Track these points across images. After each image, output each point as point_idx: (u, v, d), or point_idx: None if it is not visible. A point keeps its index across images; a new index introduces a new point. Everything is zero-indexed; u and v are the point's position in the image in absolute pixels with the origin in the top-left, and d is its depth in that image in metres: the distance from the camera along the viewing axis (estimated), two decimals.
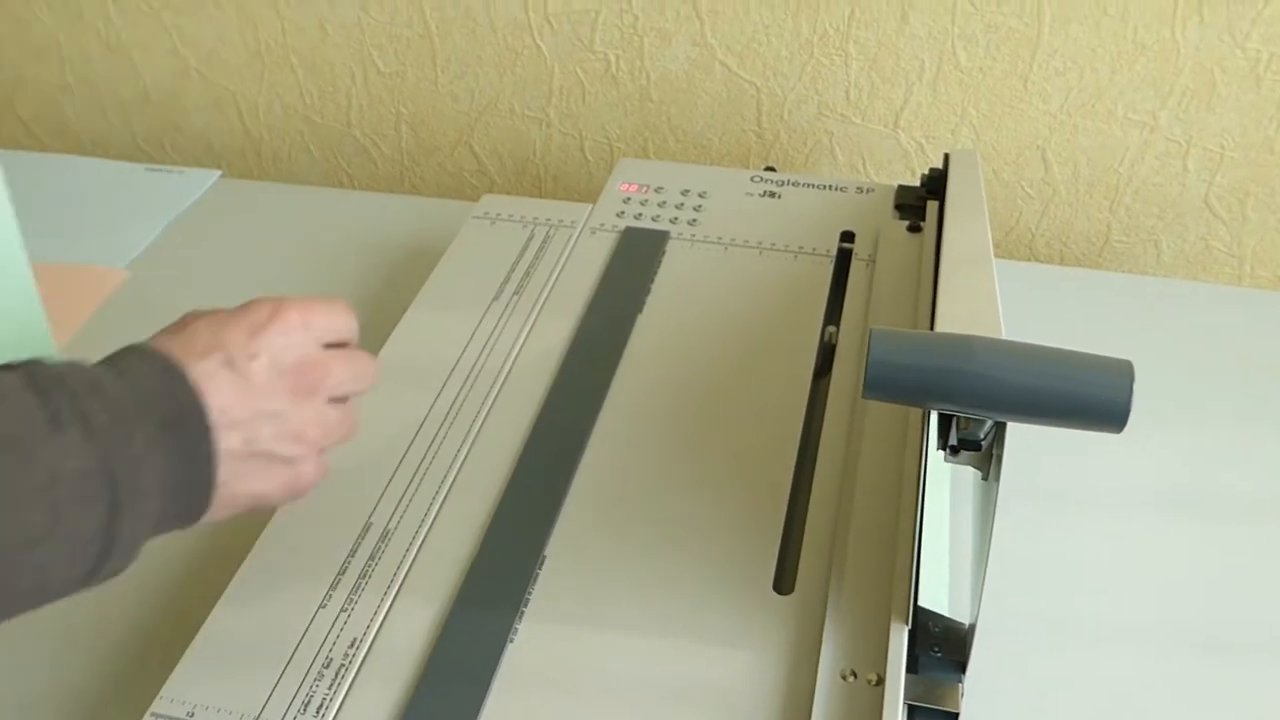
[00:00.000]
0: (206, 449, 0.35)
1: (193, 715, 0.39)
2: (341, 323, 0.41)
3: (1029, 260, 0.81)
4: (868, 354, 0.31)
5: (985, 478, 0.37)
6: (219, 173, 0.82)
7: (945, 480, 0.46)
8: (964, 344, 0.30)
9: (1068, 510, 0.53)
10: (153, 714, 0.39)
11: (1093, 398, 0.30)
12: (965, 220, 0.52)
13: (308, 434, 0.39)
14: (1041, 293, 0.67)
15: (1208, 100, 0.72)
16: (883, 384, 0.31)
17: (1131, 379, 0.30)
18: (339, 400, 0.41)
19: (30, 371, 0.32)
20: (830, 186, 0.68)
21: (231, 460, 0.36)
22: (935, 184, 0.64)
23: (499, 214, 0.66)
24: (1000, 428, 0.34)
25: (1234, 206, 0.76)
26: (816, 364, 0.54)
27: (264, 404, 0.36)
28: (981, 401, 0.30)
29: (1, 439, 0.30)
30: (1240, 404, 0.59)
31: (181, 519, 0.36)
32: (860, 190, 0.67)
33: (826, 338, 0.55)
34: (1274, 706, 0.44)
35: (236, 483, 0.36)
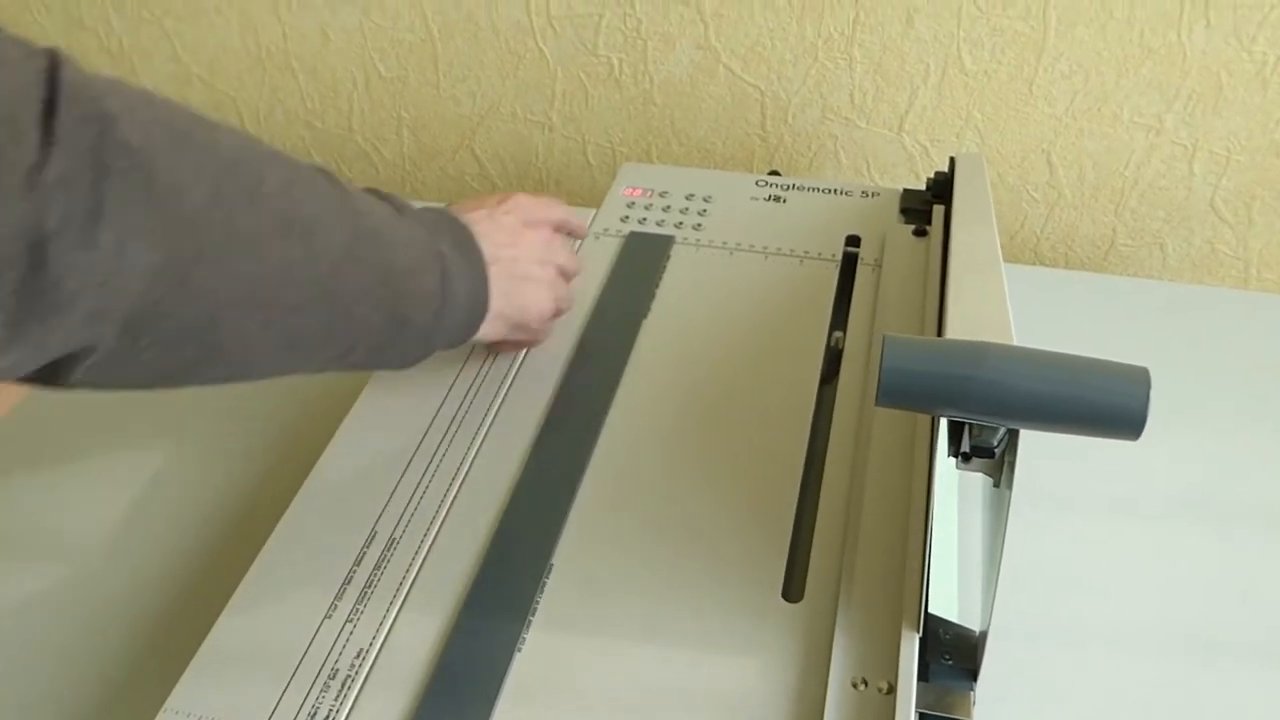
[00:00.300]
0: (482, 264, 0.46)
1: None
2: (559, 208, 0.54)
3: (1034, 264, 0.81)
4: (881, 361, 0.31)
5: (997, 485, 0.37)
6: None
7: (952, 486, 0.46)
8: (978, 351, 0.30)
9: (1074, 514, 0.52)
10: None
11: (1109, 405, 0.29)
12: (973, 225, 0.52)
13: (548, 269, 0.51)
14: (1047, 296, 0.67)
15: (1214, 103, 0.72)
16: (896, 391, 0.30)
17: (1148, 386, 0.29)
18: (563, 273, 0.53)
19: (367, 187, 0.43)
20: (835, 191, 0.67)
21: (499, 279, 0.47)
22: (941, 188, 0.64)
23: None
24: (1013, 435, 0.33)
25: (1240, 210, 0.76)
26: (823, 369, 0.53)
27: (518, 238, 0.49)
28: (996, 409, 0.30)
29: (371, 209, 0.40)
30: (1246, 407, 0.59)
31: (468, 324, 0.46)
32: (865, 194, 0.67)
33: (833, 343, 0.55)
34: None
35: (503, 298, 0.47)
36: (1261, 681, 0.45)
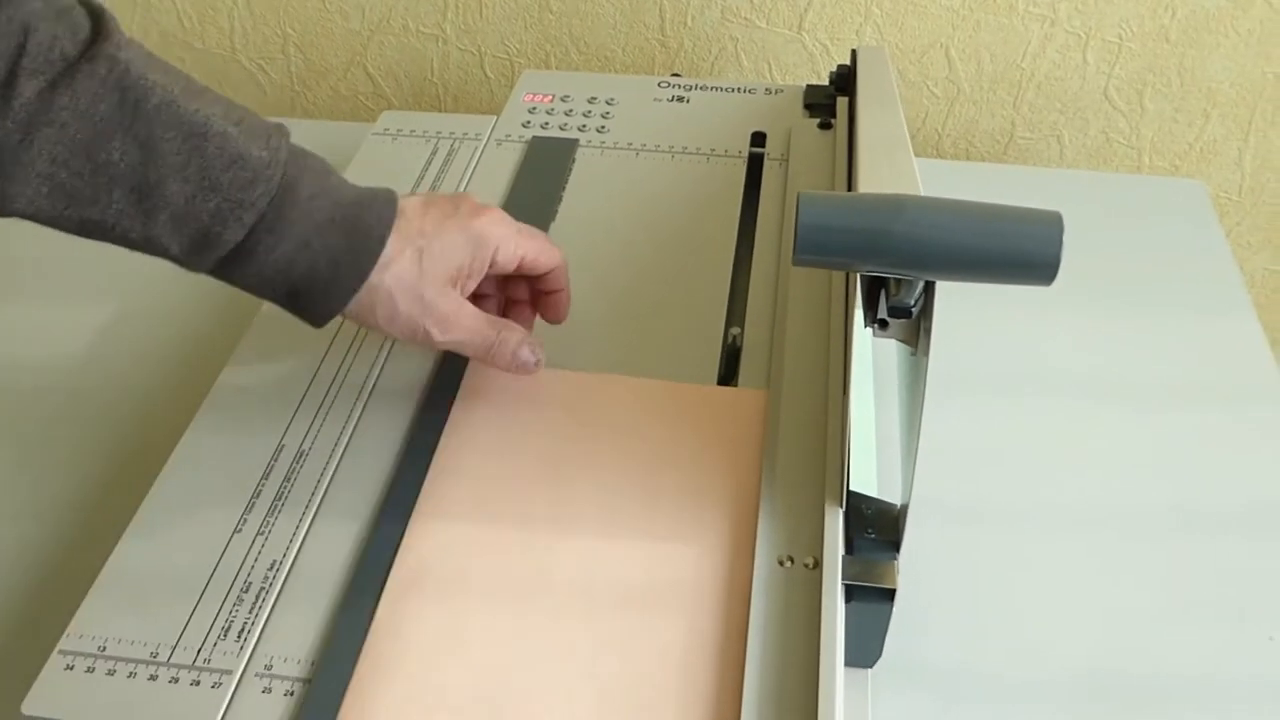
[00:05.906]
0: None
1: (104, 649, 0.37)
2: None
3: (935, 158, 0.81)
4: (796, 218, 0.30)
5: (914, 352, 0.37)
6: None
7: (868, 362, 0.46)
8: (894, 202, 0.30)
9: (981, 395, 0.53)
10: (60, 651, 0.37)
11: (1026, 250, 0.29)
12: (877, 110, 0.51)
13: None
14: (947, 189, 0.67)
15: None
16: (814, 247, 0.30)
17: (1061, 229, 0.29)
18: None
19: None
20: (738, 89, 0.66)
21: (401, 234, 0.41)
22: (844, 81, 0.63)
23: (400, 130, 0.63)
24: (929, 295, 0.33)
25: (1132, 98, 0.77)
26: (735, 261, 0.53)
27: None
28: (914, 260, 0.30)
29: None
30: (1144, 286, 0.60)
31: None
32: (769, 91, 0.66)
33: (730, 340, 0.51)
34: (1184, 578, 0.45)
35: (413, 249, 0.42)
36: (1170, 552, 0.46)
